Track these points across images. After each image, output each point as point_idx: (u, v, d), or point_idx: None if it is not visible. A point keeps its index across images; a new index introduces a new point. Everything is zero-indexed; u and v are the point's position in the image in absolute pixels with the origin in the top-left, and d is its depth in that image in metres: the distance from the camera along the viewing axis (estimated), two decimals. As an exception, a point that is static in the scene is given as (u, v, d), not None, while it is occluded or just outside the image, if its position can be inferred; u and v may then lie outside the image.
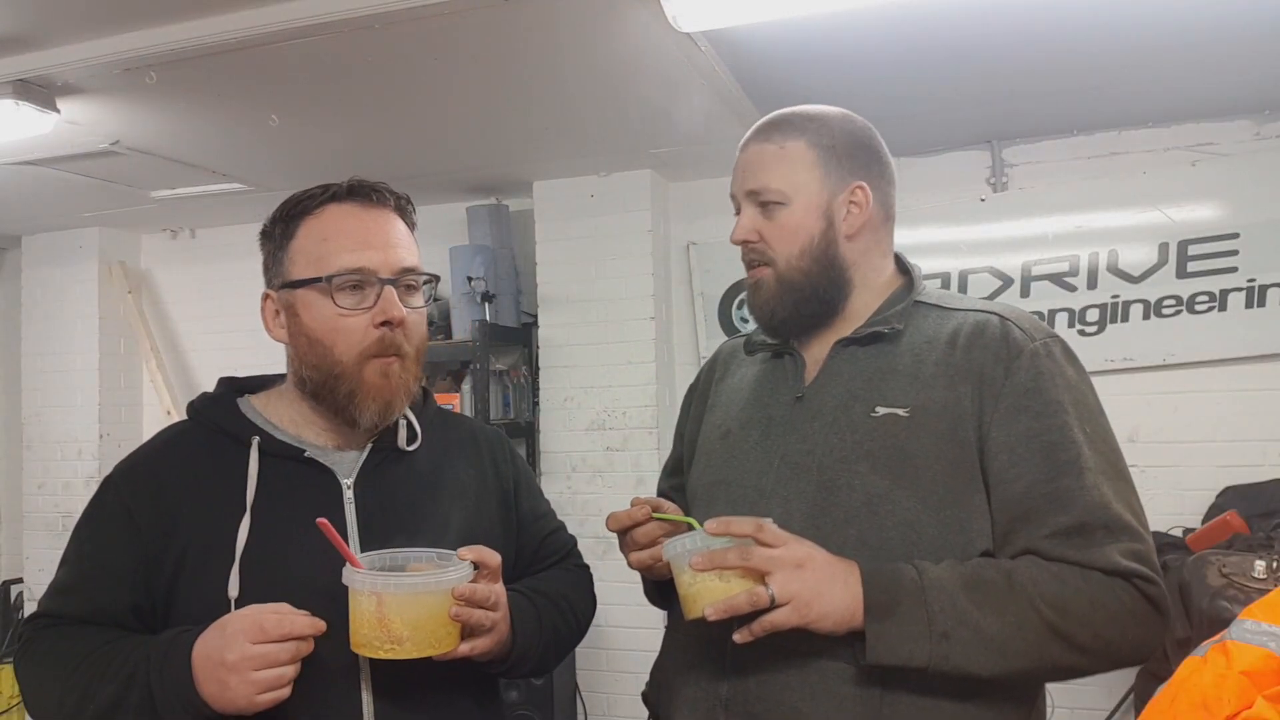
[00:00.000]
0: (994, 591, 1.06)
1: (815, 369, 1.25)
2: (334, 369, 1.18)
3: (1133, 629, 1.07)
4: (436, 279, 1.28)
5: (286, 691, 1.05)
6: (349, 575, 1.06)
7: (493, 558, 1.14)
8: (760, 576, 1.04)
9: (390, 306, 1.17)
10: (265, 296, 1.24)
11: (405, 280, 1.20)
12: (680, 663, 1.26)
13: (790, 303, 1.22)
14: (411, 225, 1.26)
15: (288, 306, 1.21)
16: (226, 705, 1.04)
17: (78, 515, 1.22)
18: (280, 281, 1.21)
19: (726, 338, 3.67)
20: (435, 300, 1.27)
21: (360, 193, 1.21)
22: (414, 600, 1.05)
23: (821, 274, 1.22)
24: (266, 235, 1.25)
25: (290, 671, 1.05)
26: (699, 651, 1.21)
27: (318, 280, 1.17)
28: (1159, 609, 1.09)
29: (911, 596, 1.04)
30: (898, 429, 1.14)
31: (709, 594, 1.04)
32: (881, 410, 1.16)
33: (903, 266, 1.33)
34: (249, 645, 1.02)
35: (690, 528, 1.15)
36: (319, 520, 1.07)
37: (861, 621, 1.04)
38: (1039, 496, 1.10)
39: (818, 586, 1.04)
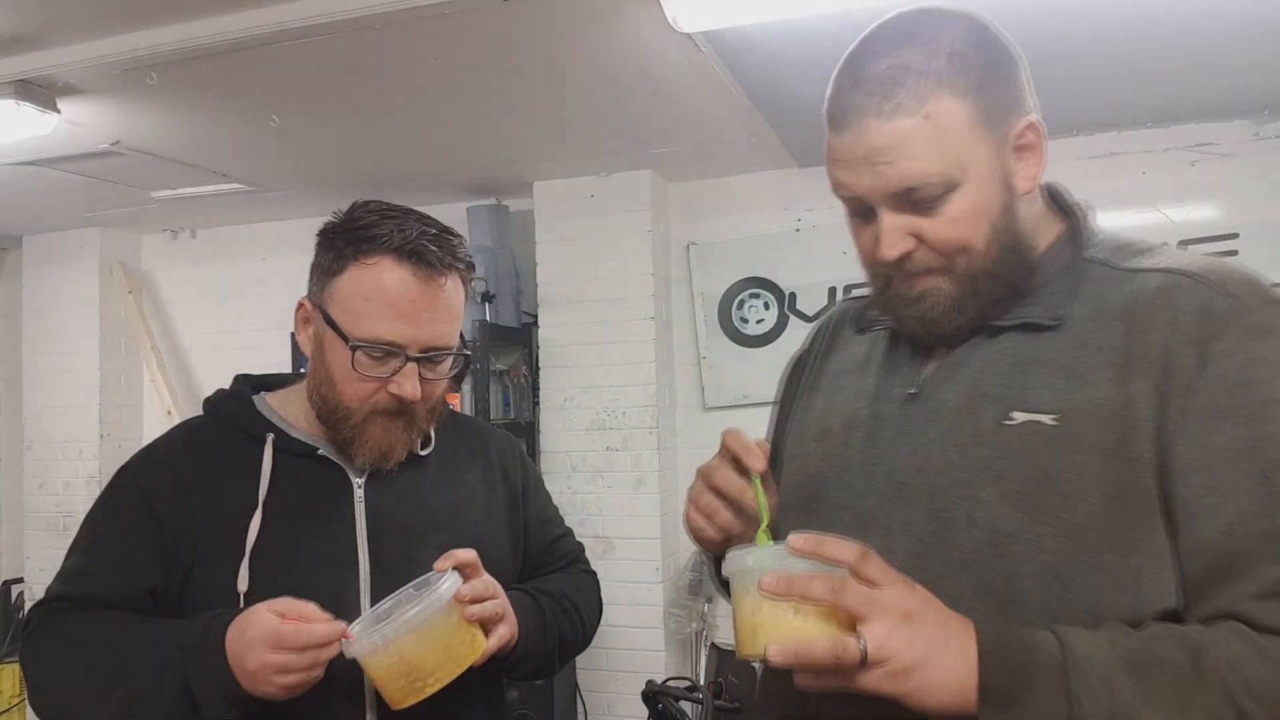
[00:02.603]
0: (1173, 676, 0.74)
1: (939, 356, 0.95)
2: (339, 411, 1.17)
3: None
4: (467, 355, 1.23)
5: (313, 681, 1.04)
6: (352, 647, 1.04)
7: (466, 554, 1.12)
8: (850, 621, 0.77)
9: (405, 385, 1.14)
10: (301, 304, 1.21)
11: (433, 355, 1.17)
12: (764, 707, 1.04)
13: (974, 308, 0.90)
14: (467, 282, 1.21)
15: (317, 329, 1.19)
16: (260, 696, 1.03)
17: (79, 515, 1.22)
18: (316, 302, 1.18)
19: (727, 338, 3.73)
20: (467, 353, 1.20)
21: (422, 257, 1.13)
22: (428, 628, 1.04)
23: (1011, 259, 0.90)
24: (324, 243, 1.18)
25: (314, 675, 1.04)
26: (781, 699, 0.98)
27: (345, 339, 1.14)
28: None
29: (1048, 679, 0.74)
30: (1040, 443, 0.84)
31: (776, 629, 0.79)
32: (1020, 416, 0.86)
33: (1059, 204, 0.98)
34: (268, 653, 1.01)
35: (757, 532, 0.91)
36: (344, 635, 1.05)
37: (974, 706, 0.75)
38: (1249, 538, 0.77)
39: (926, 650, 0.75)
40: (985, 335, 0.92)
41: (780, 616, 0.79)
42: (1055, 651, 0.75)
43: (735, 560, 0.84)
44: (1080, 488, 0.81)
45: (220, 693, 1.04)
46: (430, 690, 1.04)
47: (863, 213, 0.92)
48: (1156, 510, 0.80)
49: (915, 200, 0.87)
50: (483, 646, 1.10)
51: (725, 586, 1.01)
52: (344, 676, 1.09)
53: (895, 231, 0.88)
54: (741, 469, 0.92)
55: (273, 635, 1.01)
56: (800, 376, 1.14)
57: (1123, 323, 0.85)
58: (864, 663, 0.74)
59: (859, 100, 0.87)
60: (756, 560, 0.82)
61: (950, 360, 0.93)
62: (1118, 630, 0.77)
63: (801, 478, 1.02)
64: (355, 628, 1.06)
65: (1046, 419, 0.84)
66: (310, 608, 1.04)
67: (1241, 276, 0.85)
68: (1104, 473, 0.81)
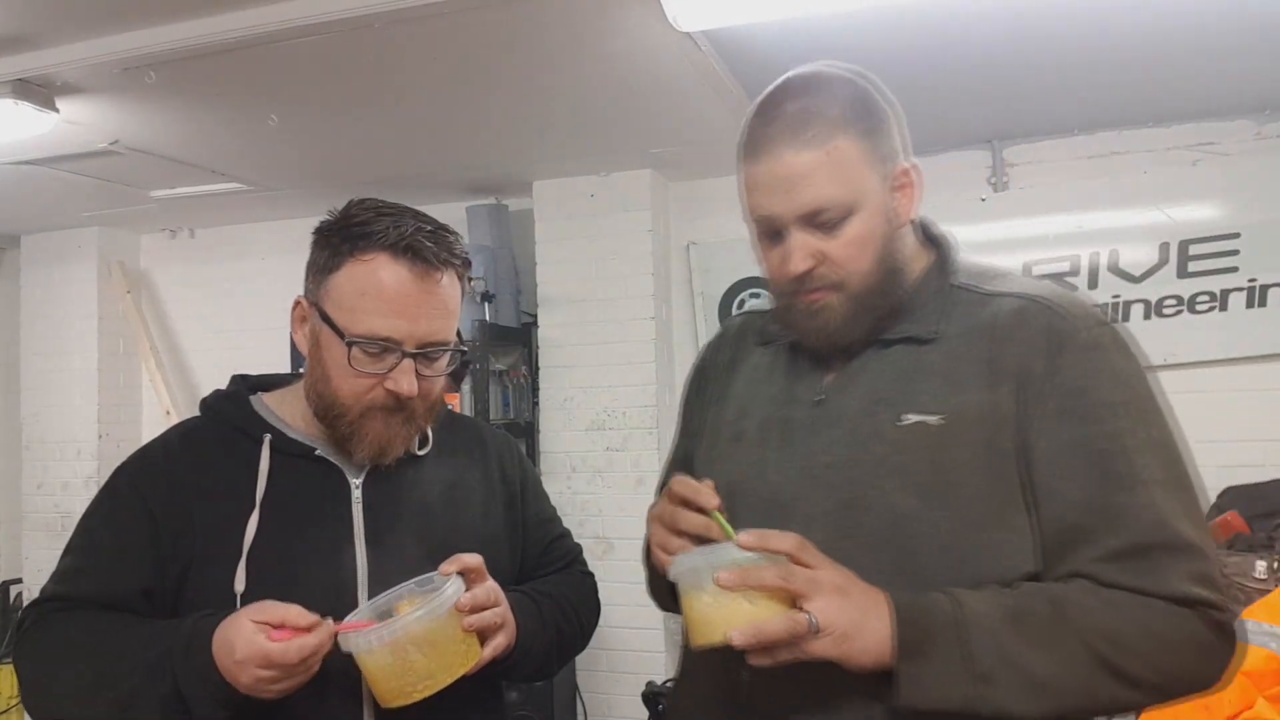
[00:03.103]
0: (1041, 625, 0.93)
1: (837, 366, 1.10)
2: (336, 408, 1.16)
3: (1197, 662, 0.95)
4: (463, 351, 1.22)
5: (309, 678, 1.04)
6: (349, 641, 1.03)
7: (473, 559, 1.12)
8: (793, 600, 0.91)
9: (402, 381, 1.13)
10: (298, 302, 1.20)
11: (430, 351, 1.16)
12: (692, 689, 1.16)
13: (866, 322, 1.06)
14: (463, 279, 1.21)
15: (314, 327, 1.18)
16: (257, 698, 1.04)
17: (77, 515, 1.22)
18: (312, 299, 1.18)
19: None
20: (464, 352, 1.23)
21: (417, 253, 1.13)
22: (426, 632, 1.03)
23: (890, 280, 1.06)
24: (319, 241, 1.18)
25: (307, 677, 1.03)
26: (710, 678, 1.10)
27: (340, 335, 1.13)
28: (1227, 637, 0.95)
29: (947, 632, 0.92)
30: (929, 439, 1.00)
31: (733, 617, 0.91)
32: (911, 418, 1.02)
33: (928, 235, 1.14)
34: (259, 670, 1.00)
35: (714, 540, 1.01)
36: (335, 628, 1.04)
37: (891, 659, 0.92)
38: (1090, 514, 0.96)
39: (857, 617, 0.91)
40: (876, 348, 1.07)
41: (734, 606, 0.91)
42: (952, 610, 0.92)
43: (685, 563, 0.95)
44: (963, 476, 0.98)
45: (210, 694, 1.03)
46: (420, 695, 1.04)
47: (772, 235, 1.06)
48: (1019, 492, 0.98)
49: (819, 223, 1.02)
50: (477, 656, 1.09)
51: (661, 595, 1.19)
52: (340, 674, 1.08)
53: (802, 249, 1.03)
54: (695, 507, 1.02)
55: (260, 655, 1.00)
56: (705, 386, 1.27)
57: (987, 338, 1.03)
58: (814, 633, 0.89)
59: (774, 134, 1.03)
60: (699, 561, 0.94)
61: (848, 370, 1.09)
62: (996, 590, 0.95)
63: (723, 475, 1.10)
64: (352, 619, 1.06)
65: (932, 419, 1.01)
66: (294, 611, 1.02)
67: (1077, 301, 1.05)
68: (980, 463, 0.98)
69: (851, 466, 1.03)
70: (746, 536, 0.92)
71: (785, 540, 0.92)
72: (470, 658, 1.08)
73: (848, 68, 1.07)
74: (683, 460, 1.28)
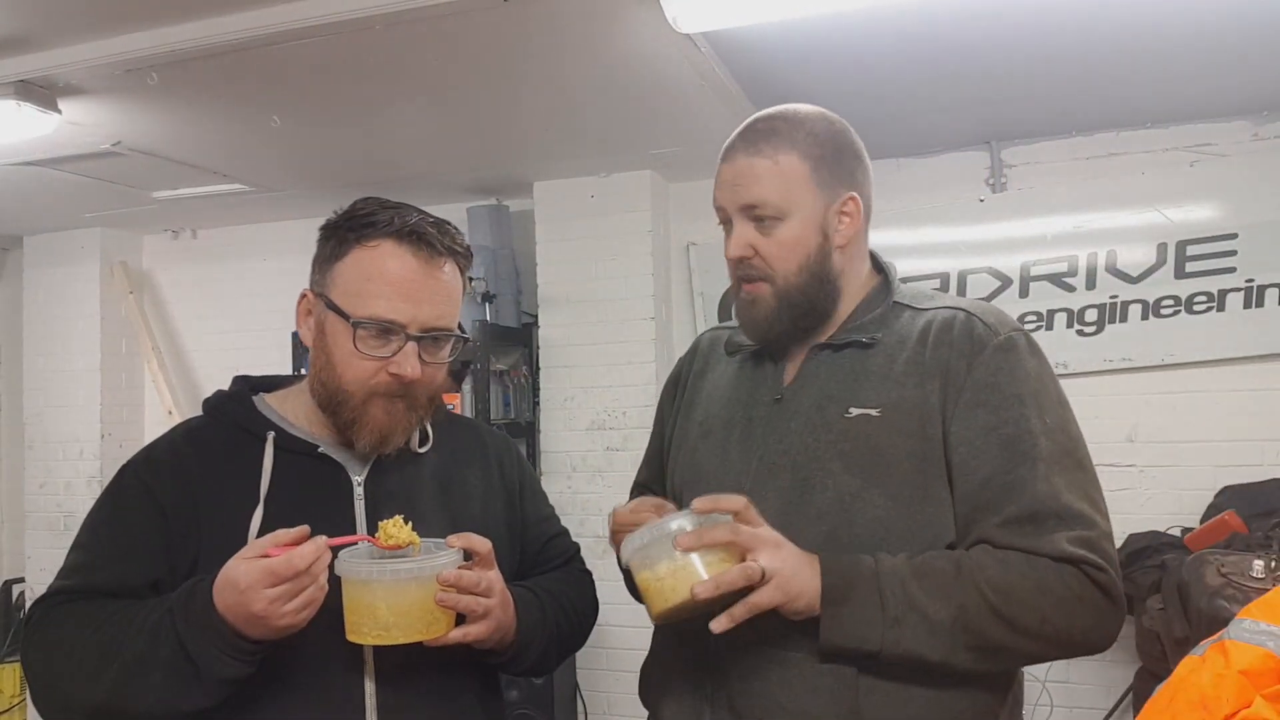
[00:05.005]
0: (942, 578, 1.08)
1: (793, 371, 1.26)
2: (339, 395, 1.19)
3: (1081, 615, 1.08)
4: (466, 339, 1.25)
5: (321, 596, 1.05)
6: (339, 564, 1.08)
7: (482, 544, 1.14)
8: (741, 558, 1.05)
9: (405, 364, 1.16)
10: (303, 295, 1.24)
11: (433, 335, 1.19)
12: (666, 661, 1.27)
13: (788, 318, 1.23)
14: (464, 273, 1.24)
15: (318, 317, 1.21)
16: (275, 635, 1.04)
17: (79, 515, 1.23)
18: (318, 290, 1.21)
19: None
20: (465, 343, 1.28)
21: (421, 238, 1.18)
22: (398, 587, 1.07)
23: (818, 287, 1.22)
24: (326, 234, 1.22)
25: (317, 590, 1.04)
26: (683, 649, 1.23)
27: (346, 317, 1.16)
28: (1109, 596, 1.10)
29: (866, 584, 1.07)
30: (870, 428, 1.16)
31: (693, 577, 1.03)
32: (855, 411, 1.18)
33: (876, 264, 1.32)
34: (267, 590, 1.01)
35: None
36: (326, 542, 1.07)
37: (818, 607, 1.07)
38: (996, 487, 1.12)
39: (794, 565, 1.06)
40: (828, 353, 1.24)
41: (691, 569, 1.03)
42: (870, 566, 1.09)
43: (635, 542, 1.06)
44: (898, 459, 1.15)
45: (214, 645, 1.04)
46: (373, 641, 1.07)
47: (727, 225, 1.24)
48: (943, 473, 1.15)
49: (756, 217, 1.20)
50: (442, 631, 1.11)
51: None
52: (344, 646, 1.10)
53: (741, 237, 1.22)
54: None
55: (265, 573, 1.01)
56: (678, 392, 1.43)
57: (919, 344, 1.20)
58: (763, 580, 1.03)
59: (738, 144, 1.23)
60: (660, 532, 1.05)
61: (803, 373, 1.25)
62: (909, 554, 1.11)
63: (691, 468, 1.31)
64: (365, 550, 1.13)
65: (873, 411, 1.17)
66: (281, 535, 1.05)
67: (995, 311, 1.23)
68: (913, 448, 1.15)
69: (803, 452, 1.19)
70: (700, 502, 1.06)
71: (734, 501, 1.07)
72: (434, 630, 1.10)
73: (829, 112, 1.26)
74: (655, 456, 1.46)
